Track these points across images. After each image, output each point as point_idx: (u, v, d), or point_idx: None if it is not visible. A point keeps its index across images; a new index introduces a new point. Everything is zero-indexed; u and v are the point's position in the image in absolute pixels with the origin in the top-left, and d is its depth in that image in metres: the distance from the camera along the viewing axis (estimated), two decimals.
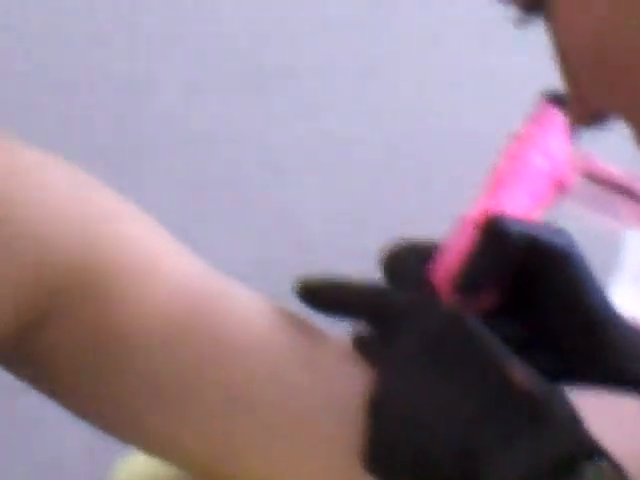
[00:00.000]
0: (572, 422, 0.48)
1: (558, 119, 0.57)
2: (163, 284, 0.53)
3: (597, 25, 0.43)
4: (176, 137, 1.74)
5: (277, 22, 1.92)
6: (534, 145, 0.57)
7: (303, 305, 0.55)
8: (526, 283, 0.54)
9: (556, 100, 0.56)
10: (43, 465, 1.24)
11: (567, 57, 0.45)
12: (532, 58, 0.81)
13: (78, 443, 0.85)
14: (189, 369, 0.53)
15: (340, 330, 0.56)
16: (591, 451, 0.47)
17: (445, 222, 0.64)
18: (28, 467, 1.22)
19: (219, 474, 0.54)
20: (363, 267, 0.73)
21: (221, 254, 1.00)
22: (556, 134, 0.57)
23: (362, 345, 0.54)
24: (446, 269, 0.54)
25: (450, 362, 0.50)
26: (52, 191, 0.51)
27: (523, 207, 0.56)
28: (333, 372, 0.54)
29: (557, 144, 0.58)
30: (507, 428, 0.48)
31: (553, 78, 0.51)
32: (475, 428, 0.48)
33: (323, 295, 0.56)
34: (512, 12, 0.46)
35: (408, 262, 0.55)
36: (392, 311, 0.53)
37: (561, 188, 0.58)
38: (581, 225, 0.69)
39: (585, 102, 0.46)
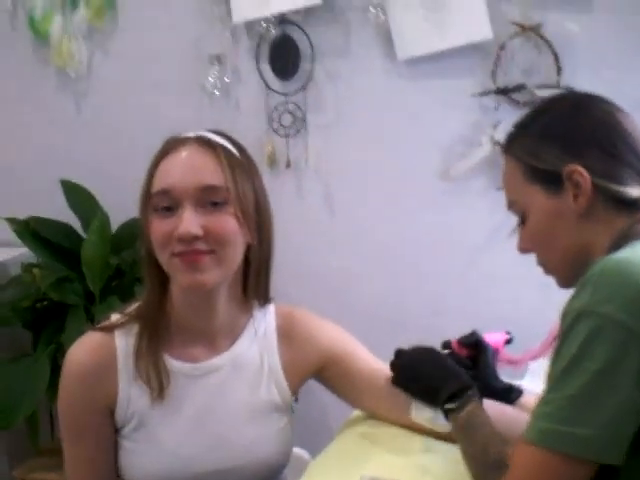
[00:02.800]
0: (467, 378, 1.47)
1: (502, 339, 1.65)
2: (362, 357, 1.61)
3: (538, 231, 1.34)
4: None
5: None
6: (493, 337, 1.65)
7: None
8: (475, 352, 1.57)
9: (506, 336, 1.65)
10: None
11: (529, 241, 1.37)
12: None
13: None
14: (375, 393, 1.57)
15: None
16: (473, 390, 1.43)
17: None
18: None
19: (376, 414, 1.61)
20: None
21: None
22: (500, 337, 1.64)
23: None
24: (455, 344, 1.58)
25: (432, 355, 1.53)
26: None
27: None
28: None
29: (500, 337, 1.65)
30: (450, 378, 1.46)
31: None
32: (443, 377, 1.47)
33: (400, 354, 1.58)
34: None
35: (448, 342, 1.60)
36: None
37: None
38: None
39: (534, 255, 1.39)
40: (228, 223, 1.43)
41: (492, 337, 1.62)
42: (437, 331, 2.48)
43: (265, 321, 1.60)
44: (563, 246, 1.31)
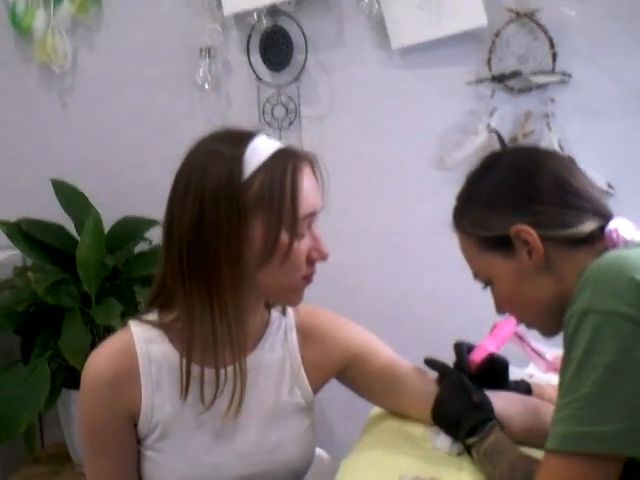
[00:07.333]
0: (489, 408, 1.47)
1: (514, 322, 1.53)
2: (384, 355, 1.59)
3: (507, 293, 1.35)
4: None
5: None
6: (506, 324, 1.62)
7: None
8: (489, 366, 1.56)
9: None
10: None
11: (503, 305, 1.38)
12: None
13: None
14: (398, 391, 1.59)
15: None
16: (493, 418, 1.44)
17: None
18: None
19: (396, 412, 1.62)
20: None
21: None
22: (512, 322, 1.56)
23: (438, 380, 1.55)
24: (475, 355, 1.55)
25: (458, 390, 1.51)
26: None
27: (498, 344, 1.59)
28: (429, 384, 1.56)
29: (511, 325, 1.61)
30: (470, 412, 1.46)
31: None
32: (463, 412, 1.47)
33: (431, 363, 1.58)
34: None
35: (462, 347, 1.58)
36: (448, 370, 1.56)
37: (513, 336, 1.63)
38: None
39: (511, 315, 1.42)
40: None
41: (506, 326, 1.61)
42: (437, 324, 2.52)
43: (285, 322, 1.58)
44: (536, 301, 1.32)
